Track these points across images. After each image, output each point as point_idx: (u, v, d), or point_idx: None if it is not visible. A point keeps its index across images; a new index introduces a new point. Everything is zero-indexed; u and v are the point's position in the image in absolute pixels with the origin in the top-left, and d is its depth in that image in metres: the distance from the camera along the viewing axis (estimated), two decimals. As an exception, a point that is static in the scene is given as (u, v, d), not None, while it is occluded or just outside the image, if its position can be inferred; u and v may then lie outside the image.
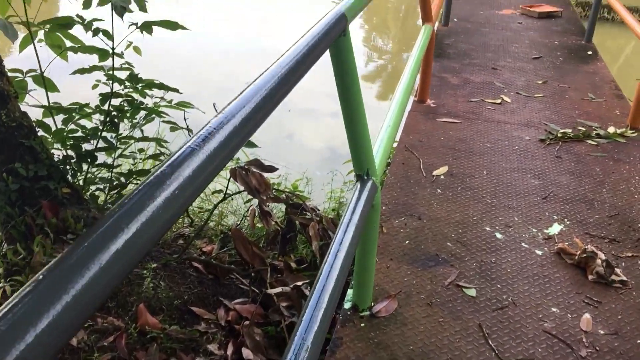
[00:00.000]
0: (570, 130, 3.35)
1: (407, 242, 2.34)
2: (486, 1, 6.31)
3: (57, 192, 2.93)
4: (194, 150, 0.76)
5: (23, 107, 2.93)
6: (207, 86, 6.35)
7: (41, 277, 0.54)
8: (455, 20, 5.47)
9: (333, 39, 1.57)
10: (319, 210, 3.15)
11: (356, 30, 8.91)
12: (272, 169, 2.83)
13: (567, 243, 2.34)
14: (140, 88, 3.20)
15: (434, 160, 2.97)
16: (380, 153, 2.03)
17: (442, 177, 2.83)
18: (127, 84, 3.17)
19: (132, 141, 3.41)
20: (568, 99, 3.86)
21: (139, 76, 3.14)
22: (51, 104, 3.15)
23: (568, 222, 2.51)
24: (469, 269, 2.19)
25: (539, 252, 2.30)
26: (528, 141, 3.24)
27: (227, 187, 3.02)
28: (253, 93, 1.03)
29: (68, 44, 3.05)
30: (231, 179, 2.75)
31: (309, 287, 2.56)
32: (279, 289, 2.57)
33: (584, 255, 2.21)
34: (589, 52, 4.81)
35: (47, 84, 3.06)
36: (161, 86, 3.20)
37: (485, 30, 5.25)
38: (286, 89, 1.22)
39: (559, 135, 3.29)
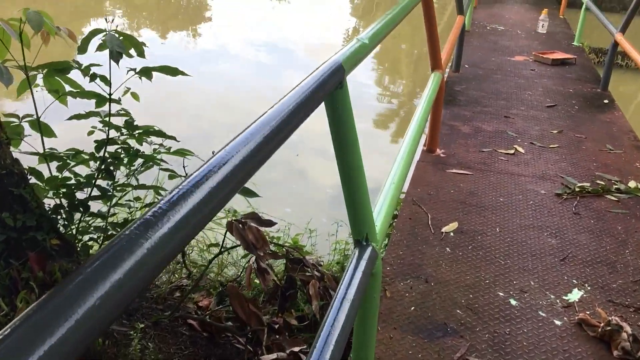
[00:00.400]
0: (588, 184, 3.17)
1: (412, 308, 2.15)
2: (498, 47, 6.22)
3: (45, 244, 2.78)
4: (176, 201, 0.71)
5: (16, 154, 2.82)
6: (220, 125, 6.28)
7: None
8: (466, 66, 5.37)
9: (328, 92, 1.43)
10: (321, 265, 2.97)
11: (367, 72, 8.85)
12: (270, 224, 2.67)
13: (588, 312, 2.13)
14: (137, 135, 3.08)
15: (443, 216, 2.80)
16: (383, 213, 1.87)
17: (451, 234, 2.65)
18: (124, 131, 3.06)
19: (129, 189, 3.28)
20: (585, 149, 3.69)
21: (136, 123, 3.03)
22: (47, 150, 3.03)
23: (589, 288, 2.31)
24: (481, 340, 1.99)
25: (558, 323, 2.10)
26: (544, 195, 3.06)
27: (223, 241, 2.86)
28: (240, 145, 0.93)
29: (68, 88, 2.96)
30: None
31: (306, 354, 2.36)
32: (274, 356, 2.38)
33: (608, 328, 2.00)
34: (605, 101, 4.66)
35: (43, 129, 2.95)
36: (159, 133, 3.08)
37: (497, 77, 5.13)
38: (276, 142, 1.08)
39: (577, 189, 3.10)
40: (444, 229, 2.68)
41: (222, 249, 2.90)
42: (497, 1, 9.17)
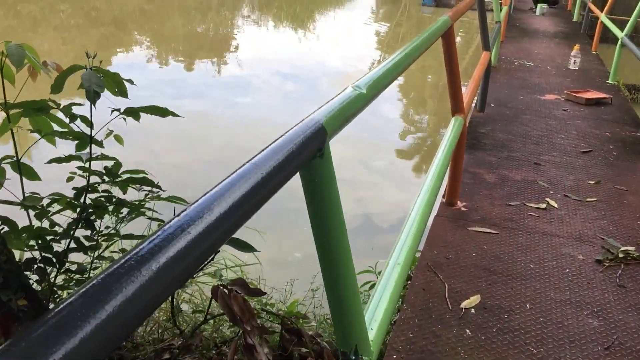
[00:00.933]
0: (633, 249, 2.73)
1: (422, 414, 1.73)
2: (527, 85, 5.83)
3: (11, 304, 2.43)
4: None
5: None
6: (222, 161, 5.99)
7: None
8: (492, 105, 4.98)
9: (303, 162, 1.06)
10: (320, 337, 2.58)
11: (393, 102, 8.51)
12: (258, 293, 2.29)
13: None
14: (119, 182, 2.76)
15: (463, 286, 2.38)
16: (385, 302, 1.48)
17: (472, 310, 2.24)
18: (106, 177, 2.73)
19: (116, 239, 2.95)
20: (627, 205, 3.24)
21: (119, 168, 2.70)
22: (28, 194, 2.72)
23: (642, 390, 1.87)
24: None
25: None
26: (582, 262, 2.62)
27: (208, 307, 2.49)
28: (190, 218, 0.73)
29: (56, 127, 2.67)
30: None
31: None
32: None
33: None
34: (647, 147, 4.22)
35: (26, 172, 2.64)
36: (143, 181, 2.75)
37: (526, 118, 4.73)
38: (241, 214, 0.83)
39: (620, 254, 2.67)
40: (463, 304, 2.27)
41: (207, 317, 2.53)
42: (525, 35, 8.80)
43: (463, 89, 3.08)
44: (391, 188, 6.10)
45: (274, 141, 1.02)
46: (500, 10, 6.68)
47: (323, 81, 10.16)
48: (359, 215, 5.34)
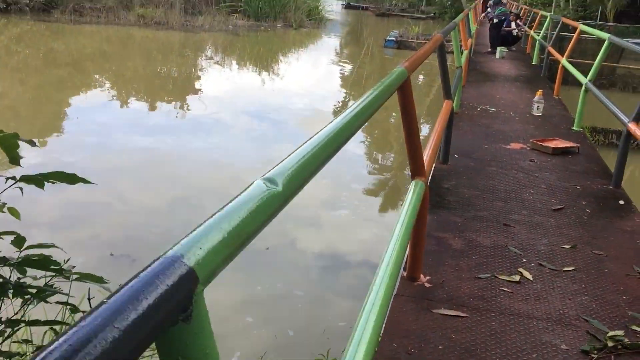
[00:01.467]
0: (622, 333, 2.35)
1: None
2: (491, 132, 5.55)
3: None
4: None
5: None
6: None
7: None
8: (455, 156, 4.66)
9: (159, 331, 0.61)
10: None
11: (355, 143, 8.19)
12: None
13: None
14: (14, 264, 2.28)
15: (429, 394, 1.95)
16: None
17: None
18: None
19: (22, 325, 2.44)
20: (608, 274, 2.89)
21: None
22: None
23: None
24: None
25: None
26: (566, 353, 2.23)
27: None
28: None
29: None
30: None
31: None
32: None
33: None
34: (621, 202, 3.92)
35: None
36: (42, 264, 2.28)
37: (492, 170, 4.41)
38: None
39: (608, 342, 2.29)
40: (429, 421, 1.83)
41: None
42: (487, 79, 8.66)
43: (425, 141, 2.72)
44: (357, 229, 5.80)
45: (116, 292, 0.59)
46: (461, 54, 6.48)
47: (289, 121, 10.05)
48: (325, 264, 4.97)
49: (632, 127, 3.98)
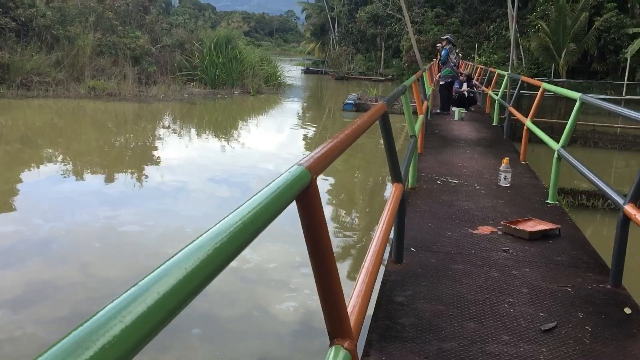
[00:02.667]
0: None
1: None
2: (454, 213, 4.64)
3: None
4: None
5: None
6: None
7: None
8: (412, 250, 3.70)
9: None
10: None
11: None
12: None
13: None
14: None
15: None
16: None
17: None
18: None
19: None
20: None
21: None
22: None
23: None
24: None
25: None
26: None
27: None
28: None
29: None
30: None
31: None
32: None
33: None
34: (628, 310, 2.98)
35: None
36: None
37: (458, 270, 3.44)
38: None
39: None
40: None
41: None
42: (446, 145, 7.88)
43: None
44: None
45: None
46: (418, 117, 5.68)
47: (254, 184, 9.54)
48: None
49: (630, 210, 3.09)
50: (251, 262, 5.93)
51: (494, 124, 10.25)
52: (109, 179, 10.35)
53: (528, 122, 6.62)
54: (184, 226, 7.21)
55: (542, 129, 6.38)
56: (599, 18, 28.43)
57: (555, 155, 5.01)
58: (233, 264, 0.94)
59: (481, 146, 7.82)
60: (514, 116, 8.11)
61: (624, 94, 25.86)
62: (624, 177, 11.11)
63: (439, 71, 11.83)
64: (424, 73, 9.93)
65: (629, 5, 29.29)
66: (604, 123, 15.51)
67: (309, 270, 1.65)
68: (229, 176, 10.39)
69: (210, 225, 0.92)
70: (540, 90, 6.50)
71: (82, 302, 5.04)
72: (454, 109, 12.44)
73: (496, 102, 10.18)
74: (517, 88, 8.17)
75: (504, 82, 10.13)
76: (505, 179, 5.56)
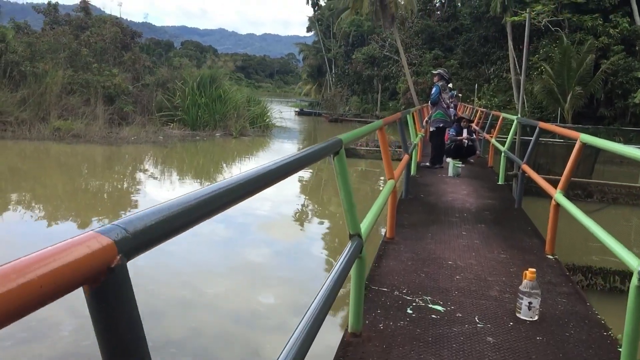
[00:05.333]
0: None
1: None
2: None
3: None
4: None
5: None
6: None
7: None
8: None
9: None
10: None
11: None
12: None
13: None
14: None
15: None
16: None
17: None
18: None
19: None
20: None
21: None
22: None
23: None
24: None
25: None
26: None
27: None
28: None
29: None
30: None
31: None
32: None
33: None
34: None
35: None
36: None
37: None
38: None
39: None
40: None
41: None
42: (431, 221, 5.30)
43: None
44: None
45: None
46: (387, 184, 3.17)
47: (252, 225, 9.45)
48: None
49: None
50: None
51: (499, 182, 7.72)
52: (81, 226, 9.45)
53: (558, 195, 4.10)
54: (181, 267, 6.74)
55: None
56: (605, 61, 26.29)
57: (636, 278, 2.45)
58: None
59: (484, 223, 5.24)
60: (527, 173, 5.64)
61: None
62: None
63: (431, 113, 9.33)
64: (409, 116, 7.48)
65: (637, 48, 27.18)
66: None
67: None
68: (226, 218, 9.47)
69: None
70: (578, 145, 4.02)
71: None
72: (448, 160, 9.94)
73: (502, 154, 7.68)
74: (534, 138, 5.69)
75: (513, 128, 7.63)
76: (530, 308, 3.00)
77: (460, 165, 8.17)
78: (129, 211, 10.61)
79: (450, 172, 8.13)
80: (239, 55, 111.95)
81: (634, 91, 26.08)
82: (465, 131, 9.79)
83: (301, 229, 10.33)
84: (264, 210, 10.97)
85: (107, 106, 23.67)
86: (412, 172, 7.88)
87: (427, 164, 8.93)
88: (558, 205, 4.14)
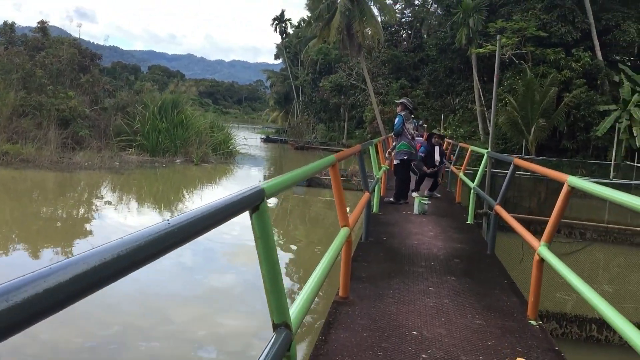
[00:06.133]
0: None
1: None
2: None
3: None
4: None
5: None
6: None
7: None
8: None
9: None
10: None
11: None
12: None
13: None
14: None
15: None
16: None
17: None
18: None
19: None
20: None
21: None
22: None
23: None
24: None
25: None
26: None
27: None
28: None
29: None
30: None
31: None
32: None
33: None
34: None
35: None
36: None
37: None
38: None
39: None
40: None
41: None
42: (395, 271, 4.53)
43: None
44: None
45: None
46: (340, 232, 2.43)
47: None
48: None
49: None
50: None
51: (468, 222, 7.06)
52: (33, 255, 9.06)
53: (542, 249, 3.41)
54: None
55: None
56: (568, 94, 26.42)
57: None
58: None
59: (454, 275, 4.51)
60: (500, 216, 4.98)
61: (594, 173, 23.62)
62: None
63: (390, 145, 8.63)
64: (371, 147, 6.80)
65: (598, 82, 27.45)
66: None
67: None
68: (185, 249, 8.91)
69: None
70: (566, 189, 3.34)
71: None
72: (414, 194, 9.28)
73: (471, 191, 7.04)
74: (509, 176, 5.03)
75: (483, 163, 7.00)
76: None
77: (426, 202, 7.49)
78: (83, 239, 10.18)
79: (416, 209, 7.44)
80: (207, 81, 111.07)
81: (596, 124, 26.21)
82: (436, 149, 9.09)
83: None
84: (227, 240, 10.80)
85: (61, 130, 22.50)
86: (374, 209, 7.16)
87: (392, 199, 8.24)
88: (542, 260, 3.45)
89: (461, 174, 8.53)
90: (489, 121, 29.88)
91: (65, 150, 21.76)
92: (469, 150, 8.62)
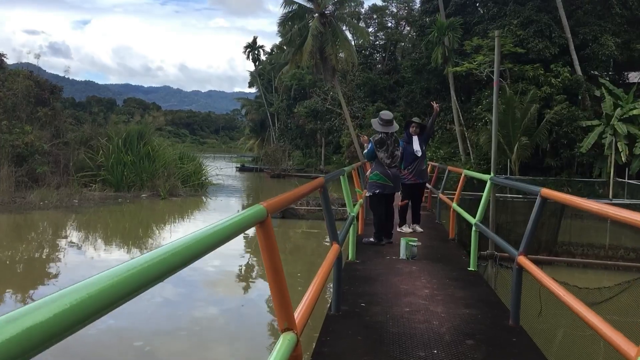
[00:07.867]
0: None
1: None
2: None
3: None
4: None
5: None
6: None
7: None
8: None
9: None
10: None
11: None
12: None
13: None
14: None
15: None
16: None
17: None
18: None
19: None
20: None
21: None
22: None
23: None
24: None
25: None
26: None
27: None
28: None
29: None
30: None
31: None
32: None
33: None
34: None
35: None
36: None
37: None
38: None
39: None
40: None
41: None
42: (379, 348, 2.92)
43: None
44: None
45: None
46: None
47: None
48: None
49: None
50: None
51: (470, 268, 5.44)
52: None
53: None
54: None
55: None
56: (549, 111, 25.27)
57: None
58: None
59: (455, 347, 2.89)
60: (526, 269, 3.39)
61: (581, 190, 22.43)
62: None
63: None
64: (342, 177, 5.21)
65: (579, 97, 26.41)
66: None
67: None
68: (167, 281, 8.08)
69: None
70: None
71: None
72: (404, 228, 7.68)
73: (473, 229, 5.44)
74: (535, 214, 3.46)
75: (486, 192, 5.35)
76: None
77: (415, 245, 5.87)
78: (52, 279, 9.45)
79: (403, 254, 5.83)
80: (183, 112, 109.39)
81: (579, 140, 25.09)
82: (415, 139, 7.43)
83: (247, 286, 10.08)
84: (213, 265, 10.75)
85: (17, 167, 20.62)
86: (350, 257, 5.55)
87: (372, 239, 6.61)
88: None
89: (454, 205, 6.95)
90: (469, 141, 28.61)
91: (21, 189, 19.87)
92: (462, 175, 7.02)
